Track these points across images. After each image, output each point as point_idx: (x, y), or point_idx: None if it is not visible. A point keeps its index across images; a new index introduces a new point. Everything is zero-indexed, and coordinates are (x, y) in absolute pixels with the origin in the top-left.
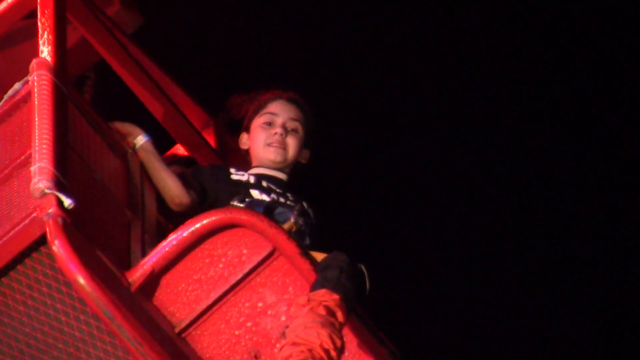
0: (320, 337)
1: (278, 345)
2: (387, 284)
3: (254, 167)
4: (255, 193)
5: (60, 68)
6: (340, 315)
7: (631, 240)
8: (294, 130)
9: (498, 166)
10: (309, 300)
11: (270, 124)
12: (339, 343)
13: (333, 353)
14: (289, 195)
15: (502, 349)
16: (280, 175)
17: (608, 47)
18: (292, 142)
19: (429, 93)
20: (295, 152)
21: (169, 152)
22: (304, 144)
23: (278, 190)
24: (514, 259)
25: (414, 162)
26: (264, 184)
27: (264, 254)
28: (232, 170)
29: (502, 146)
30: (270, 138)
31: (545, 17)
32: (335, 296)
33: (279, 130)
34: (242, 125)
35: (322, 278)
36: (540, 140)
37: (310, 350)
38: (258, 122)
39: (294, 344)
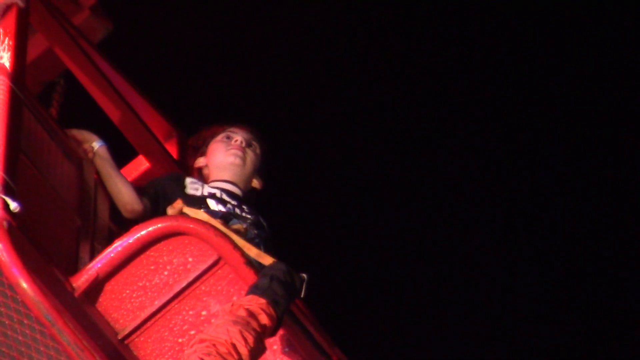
0: (229, 334)
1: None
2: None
3: (212, 181)
4: (212, 203)
5: (18, 74)
6: (263, 318)
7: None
8: (253, 148)
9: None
10: (232, 305)
11: (229, 138)
12: (251, 340)
13: (243, 349)
14: (244, 207)
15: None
16: (236, 190)
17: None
18: (250, 155)
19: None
20: (253, 165)
21: (131, 163)
22: (259, 168)
23: (233, 202)
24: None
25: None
26: (219, 195)
27: (209, 262)
28: (188, 181)
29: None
30: (230, 146)
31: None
32: (262, 300)
33: (239, 138)
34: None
35: (254, 287)
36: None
37: (214, 345)
38: (216, 140)
39: (200, 340)
